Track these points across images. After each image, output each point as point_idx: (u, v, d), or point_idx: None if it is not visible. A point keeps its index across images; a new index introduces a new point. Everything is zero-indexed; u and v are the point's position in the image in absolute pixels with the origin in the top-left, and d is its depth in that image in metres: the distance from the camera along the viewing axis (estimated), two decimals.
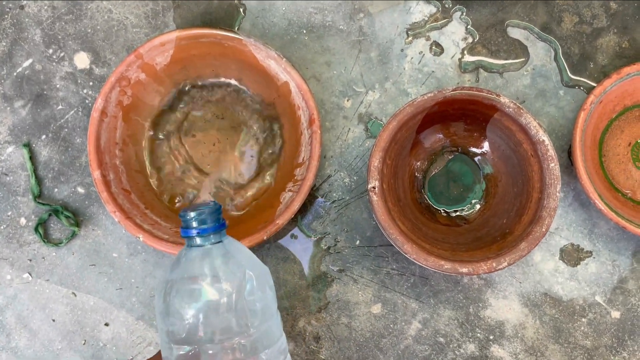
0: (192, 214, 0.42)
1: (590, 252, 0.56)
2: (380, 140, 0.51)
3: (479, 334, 0.56)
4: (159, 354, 0.46)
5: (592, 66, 0.59)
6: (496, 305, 0.56)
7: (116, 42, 0.62)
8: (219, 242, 0.43)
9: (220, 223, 0.43)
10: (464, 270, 0.49)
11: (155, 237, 0.53)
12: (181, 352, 0.41)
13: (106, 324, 0.58)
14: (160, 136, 0.58)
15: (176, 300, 0.41)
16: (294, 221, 0.58)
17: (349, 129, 0.59)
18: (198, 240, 0.43)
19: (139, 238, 0.53)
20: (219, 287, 0.41)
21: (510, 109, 0.51)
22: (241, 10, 0.61)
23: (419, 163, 0.57)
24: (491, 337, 0.55)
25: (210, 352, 0.41)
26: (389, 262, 0.57)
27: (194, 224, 0.42)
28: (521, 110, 0.51)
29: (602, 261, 0.56)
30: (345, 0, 0.61)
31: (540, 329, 0.55)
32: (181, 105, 0.58)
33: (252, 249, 0.58)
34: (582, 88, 0.58)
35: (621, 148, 0.56)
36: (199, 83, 0.58)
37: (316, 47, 0.61)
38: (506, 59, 0.59)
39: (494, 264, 0.49)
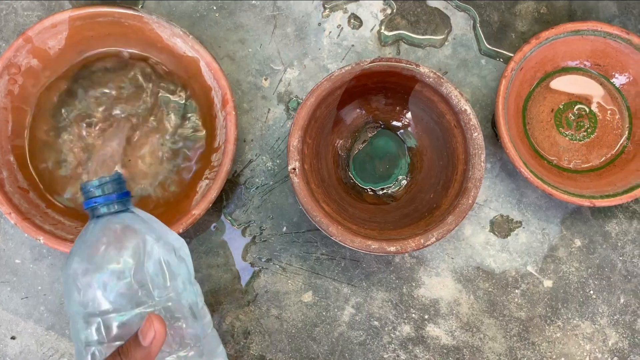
0: (94, 183, 0.40)
1: (520, 222, 0.55)
2: (299, 119, 0.48)
3: (413, 314, 0.54)
4: None
5: (512, 34, 0.58)
6: (429, 283, 0.54)
7: (5, 27, 0.56)
8: (123, 210, 0.41)
9: (124, 192, 0.41)
10: (392, 249, 0.46)
11: (57, 238, 0.48)
12: (94, 327, 0.39)
13: (12, 338, 0.52)
14: (59, 127, 0.53)
15: (81, 271, 0.39)
16: (216, 211, 0.55)
17: (269, 109, 0.56)
18: (101, 210, 0.41)
19: (40, 240, 0.48)
20: (120, 255, 0.39)
21: (431, 79, 0.49)
22: None
23: (342, 141, 0.54)
24: (426, 317, 0.54)
25: (121, 321, 0.39)
26: (318, 247, 0.54)
27: (96, 193, 0.40)
28: (442, 80, 0.49)
29: (531, 230, 0.55)
30: None
31: (474, 304, 0.54)
32: (81, 93, 0.53)
33: None
34: (500, 59, 0.57)
35: (544, 115, 0.56)
36: (101, 67, 0.53)
37: (228, 24, 0.57)
38: (426, 30, 0.57)
39: (422, 240, 0.47)
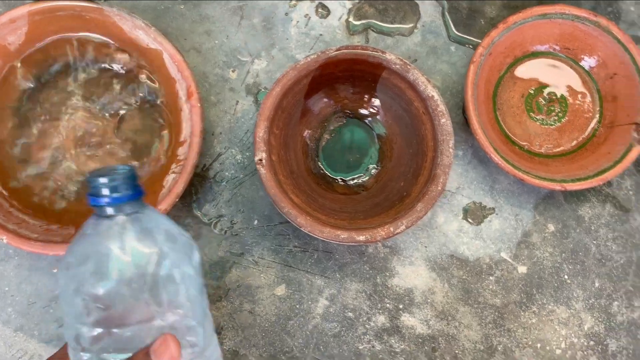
0: (103, 180, 0.34)
1: (493, 208, 0.55)
2: (265, 109, 0.48)
3: (388, 304, 0.53)
4: (64, 348, 0.40)
5: (481, 20, 0.57)
6: (403, 272, 0.54)
7: None
8: (134, 212, 0.36)
9: (137, 191, 0.36)
10: (361, 238, 0.46)
11: (21, 237, 0.47)
12: (93, 334, 0.34)
13: None
14: (23, 124, 0.52)
15: (83, 279, 0.34)
16: (185, 206, 0.54)
17: (237, 101, 0.55)
18: (109, 210, 0.35)
19: (3, 240, 0.47)
20: (130, 264, 0.34)
21: (397, 66, 0.48)
22: None
23: (310, 131, 0.53)
24: (401, 306, 0.53)
25: (128, 334, 0.35)
26: (290, 239, 0.54)
27: (105, 192, 0.34)
28: (408, 67, 0.48)
29: (505, 217, 0.55)
30: None
31: (449, 292, 0.54)
32: (45, 89, 0.52)
33: None
34: (469, 46, 0.57)
35: (515, 100, 0.55)
36: (64, 62, 0.52)
37: (194, 15, 0.56)
38: (395, 18, 0.57)
39: (392, 229, 0.46)
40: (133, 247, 0.35)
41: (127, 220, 0.35)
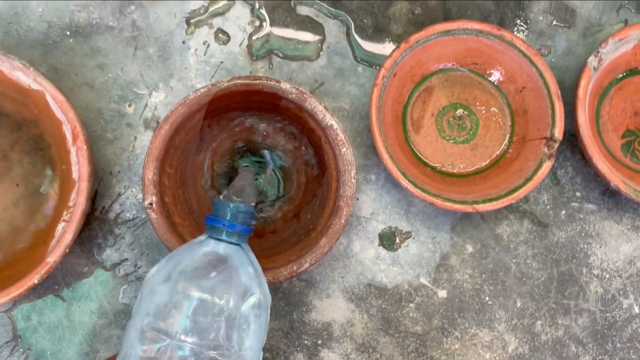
0: (230, 205, 0.39)
1: (410, 232, 0.53)
2: (153, 149, 0.45)
3: (306, 341, 0.51)
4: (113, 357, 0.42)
5: (387, 38, 0.55)
6: (320, 306, 0.52)
7: None
8: (237, 244, 0.39)
9: (250, 227, 0.40)
10: None
11: None
12: (148, 346, 0.36)
13: None
14: None
15: (174, 286, 0.37)
16: (85, 252, 0.51)
17: (136, 137, 0.52)
18: (222, 234, 0.39)
19: None
20: (222, 288, 0.37)
21: (294, 95, 0.46)
22: None
23: (210, 167, 0.51)
24: (319, 342, 0.51)
25: (180, 353, 0.36)
26: None
27: (227, 216, 0.39)
28: (305, 95, 0.46)
29: (422, 240, 0.53)
30: None
31: (368, 323, 0.52)
32: None
33: (28, 295, 0.50)
34: (376, 67, 0.55)
35: (425, 120, 0.54)
36: None
37: (84, 49, 0.53)
38: (298, 40, 0.55)
39: (295, 267, 0.44)
40: (234, 276, 0.37)
41: (231, 248, 0.39)
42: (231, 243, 0.39)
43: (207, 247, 0.39)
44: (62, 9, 0.53)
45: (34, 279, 0.45)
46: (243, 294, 0.37)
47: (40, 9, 0.53)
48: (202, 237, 0.39)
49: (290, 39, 0.54)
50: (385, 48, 0.55)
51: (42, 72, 0.47)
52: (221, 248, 0.39)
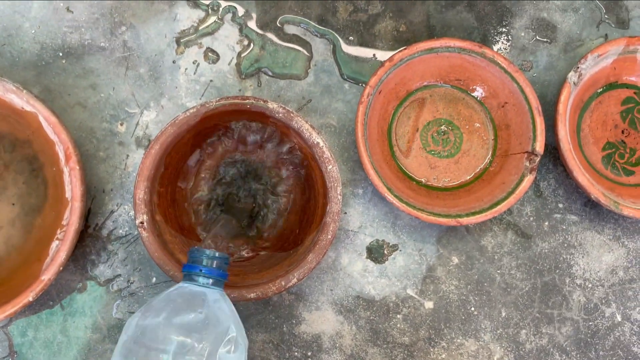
0: (206, 252, 0.41)
1: (397, 245, 0.54)
2: (144, 169, 0.46)
3: (296, 353, 0.52)
4: None
5: (372, 55, 0.57)
6: (310, 318, 0.53)
7: None
8: (214, 289, 0.42)
9: (225, 273, 0.42)
10: (252, 295, 0.45)
11: None
12: None
13: None
14: None
15: (154, 327, 0.38)
16: (79, 269, 0.52)
17: (128, 155, 0.54)
18: (200, 279, 0.41)
19: None
20: (199, 330, 0.38)
21: (281, 115, 0.47)
22: None
23: (203, 184, 0.52)
24: (309, 354, 0.52)
25: None
26: None
27: (204, 262, 0.41)
28: (291, 114, 0.47)
29: (408, 253, 0.54)
30: (103, 15, 0.54)
31: (357, 335, 0.53)
32: None
33: (23, 311, 0.51)
34: (362, 84, 0.56)
35: (410, 135, 0.55)
36: None
37: (77, 70, 0.54)
38: (286, 59, 0.56)
39: (283, 283, 0.45)
40: (212, 320, 0.39)
41: (207, 291, 0.41)
42: (208, 287, 0.41)
43: (183, 291, 0.40)
44: (54, 30, 0.54)
45: (29, 296, 0.46)
46: (220, 336, 0.39)
47: (33, 31, 0.54)
48: (179, 285, 0.41)
49: (277, 57, 0.56)
50: (371, 65, 0.56)
51: (34, 94, 0.48)
52: (197, 291, 0.40)
